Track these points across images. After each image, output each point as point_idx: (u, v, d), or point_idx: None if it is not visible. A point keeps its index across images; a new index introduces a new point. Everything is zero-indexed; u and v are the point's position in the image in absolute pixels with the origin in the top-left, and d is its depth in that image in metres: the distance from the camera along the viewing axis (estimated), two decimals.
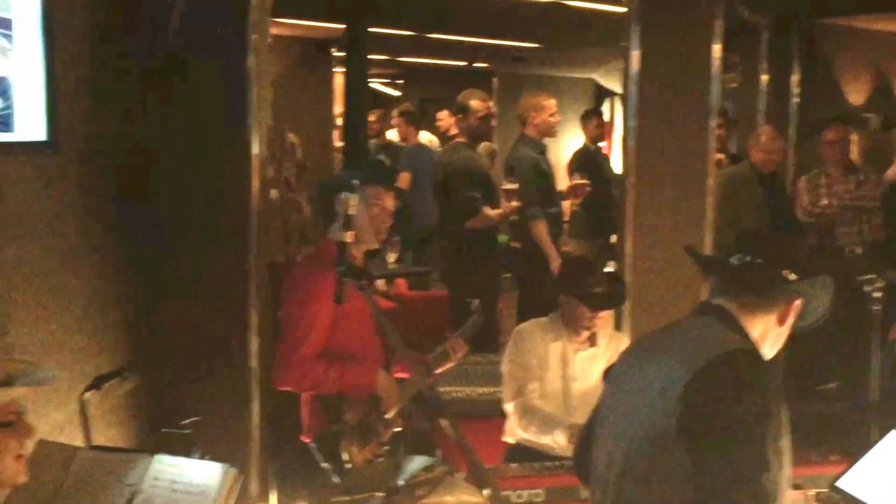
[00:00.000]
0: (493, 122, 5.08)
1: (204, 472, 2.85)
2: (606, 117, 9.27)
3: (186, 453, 3.02)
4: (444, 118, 8.80)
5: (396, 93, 9.15)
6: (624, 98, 4.19)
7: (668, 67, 4.02)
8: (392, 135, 7.98)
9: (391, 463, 2.47)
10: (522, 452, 3.67)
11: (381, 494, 2.32)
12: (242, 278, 3.94)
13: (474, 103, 4.94)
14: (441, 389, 4.19)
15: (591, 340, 3.69)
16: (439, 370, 3.51)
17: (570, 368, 3.67)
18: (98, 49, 3.44)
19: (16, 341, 3.08)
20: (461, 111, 4.98)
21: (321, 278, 3.14)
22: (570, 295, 3.61)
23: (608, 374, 2.41)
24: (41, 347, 3.22)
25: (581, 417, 3.67)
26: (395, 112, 8.00)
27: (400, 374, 3.47)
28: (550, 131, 5.32)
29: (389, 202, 3.29)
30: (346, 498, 2.34)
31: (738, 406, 1.92)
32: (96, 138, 3.45)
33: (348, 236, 2.86)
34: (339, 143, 7.13)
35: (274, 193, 4.20)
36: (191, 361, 3.87)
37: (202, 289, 3.91)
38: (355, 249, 3.24)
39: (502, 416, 3.91)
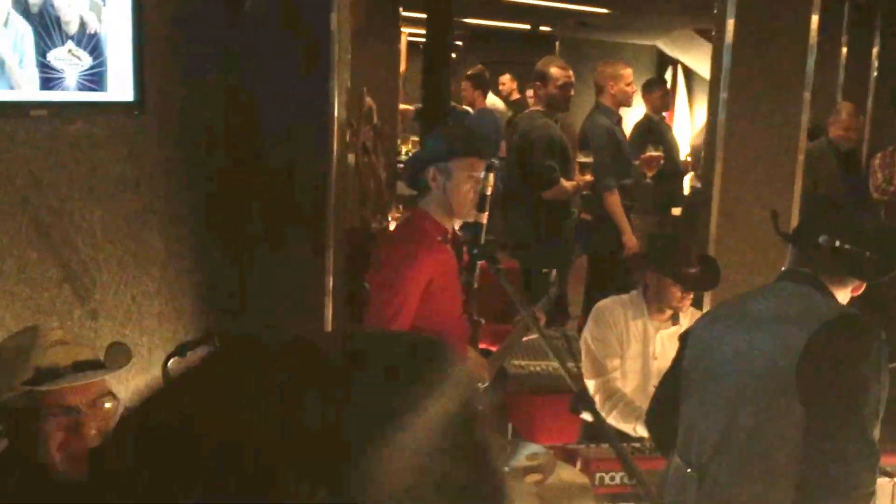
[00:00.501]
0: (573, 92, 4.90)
1: None
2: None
3: None
4: (507, 82, 8.65)
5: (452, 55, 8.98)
6: (714, 70, 4.03)
7: (763, 38, 3.86)
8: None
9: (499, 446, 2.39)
10: (601, 431, 3.59)
11: None
12: (320, 243, 3.91)
13: (554, 71, 4.78)
14: (514, 363, 4.11)
15: (674, 319, 3.60)
16: (524, 340, 3.50)
17: (651, 346, 3.58)
18: (183, 7, 3.37)
19: (99, 307, 3.06)
20: (540, 79, 4.83)
21: (415, 252, 3.03)
22: (662, 274, 3.52)
23: (686, 338, 2.50)
24: (124, 312, 3.19)
25: (642, 398, 3.61)
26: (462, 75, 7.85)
27: (484, 347, 3.44)
28: (627, 101, 5.17)
29: (482, 170, 3.06)
30: None
31: (860, 364, 2.05)
32: (179, 99, 3.39)
33: (483, 217, 2.90)
34: (403, 106, 7.02)
35: (351, 158, 4.11)
36: (266, 327, 3.84)
37: (280, 253, 3.87)
38: (449, 223, 3.13)
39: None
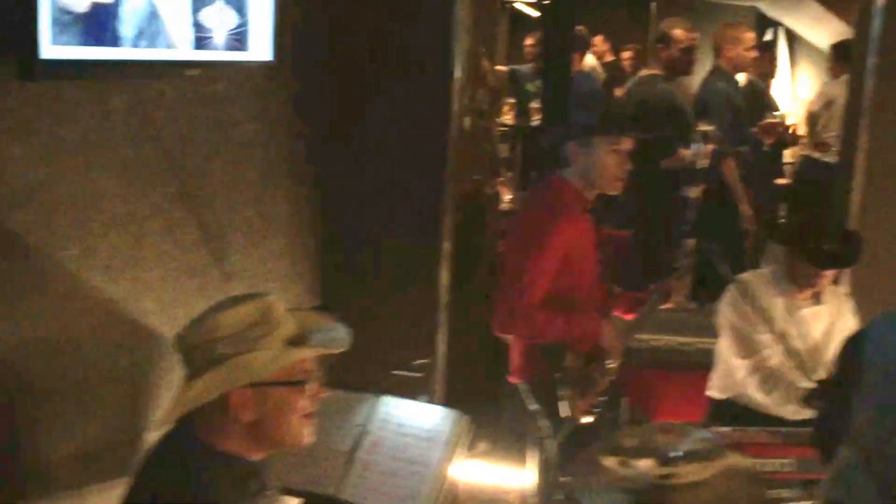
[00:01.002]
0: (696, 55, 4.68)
1: (433, 417, 2.74)
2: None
3: (412, 395, 2.92)
4: (599, 44, 8.39)
5: (536, 13, 8.68)
6: (860, 33, 3.80)
7: None
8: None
9: (666, 430, 2.27)
10: (734, 410, 3.46)
11: (651, 461, 2.15)
12: (437, 208, 3.81)
13: (678, 33, 4.57)
14: (638, 338, 3.98)
15: (816, 297, 3.44)
16: (657, 309, 3.35)
17: (793, 326, 3.42)
18: None
19: (233, 269, 3.00)
20: (662, 41, 4.63)
21: (556, 221, 3.00)
22: (797, 250, 3.36)
23: (855, 343, 2.31)
24: (252, 275, 3.13)
25: (799, 378, 3.46)
26: None
27: (617, 314, 3.35)
28: (745, 66, 4.95)
29: (627, 145, 3.04)
30: (615, 458, 2.17)
31: None
32: (312, 61, 3.30)
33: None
34: (498, 68, 6.82)
35: (467, 122, 3.99)
36: (380, 292, 3.76)
37: (396, 217, 3.79)
38: (590, 193, 3.09)
39: (702, 368, 3.71)
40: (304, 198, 3.50)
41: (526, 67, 7.21)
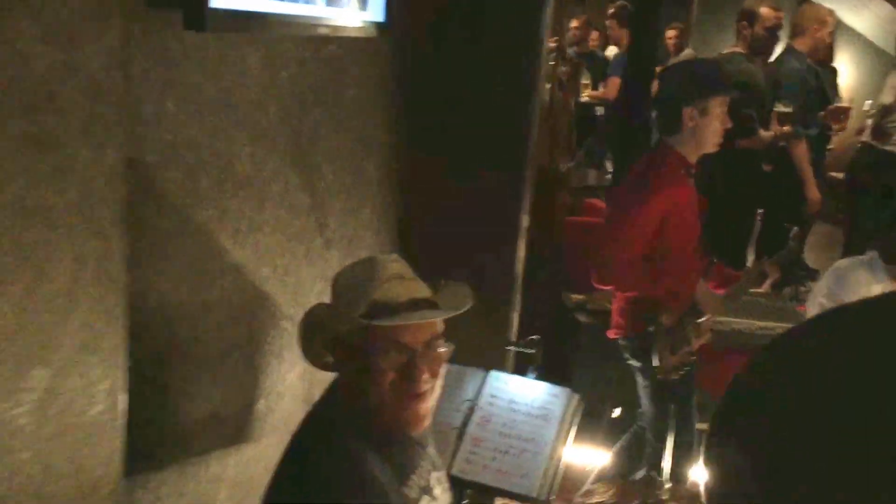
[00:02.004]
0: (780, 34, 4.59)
1: (544, 394, 2.69)
2: None
3: (521, 371, 2.87)
4: None
5: None
6: None
7: None
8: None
9: None
10: None
11: None
12: (518, 181, 3.75)
13: (765, 11, 4.48)
14: (717, 320, 3.93)
15: None
16: (751, 290, 3.51)
17: None
18: None
19: (332, 236, 2.93)
20: (747, 18, 4.53)
21: (658, 186, 3.14)
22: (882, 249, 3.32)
23: None
24: (347, 244, 3.07)
25: None
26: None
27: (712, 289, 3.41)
28: (822, 50, 4.86)
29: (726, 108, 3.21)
30: None
31: None
32: (420, 24, 3.22)
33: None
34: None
35: (546, 92, 3.91)
36: (461, 264, 3.71)
37: (474, 189, 3.72)
38: (693, 157, 3.23)
39: None
40: (394, 169, 3.43)
41: (573, 50, 7.11)
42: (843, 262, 3.47)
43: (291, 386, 2.68)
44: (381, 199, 3.37)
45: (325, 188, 2.79)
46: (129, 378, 1.81)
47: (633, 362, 3.34)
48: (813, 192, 4.80)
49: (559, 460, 2.56)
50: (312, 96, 2.62)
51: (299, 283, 2.67)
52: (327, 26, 2.32)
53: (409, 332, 1.74)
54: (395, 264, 1.80)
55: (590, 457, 3.55)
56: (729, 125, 3.18)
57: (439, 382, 1.81)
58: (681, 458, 3.30)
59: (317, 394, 1.92)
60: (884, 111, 5.78)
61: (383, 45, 3.03)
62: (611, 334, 3.43)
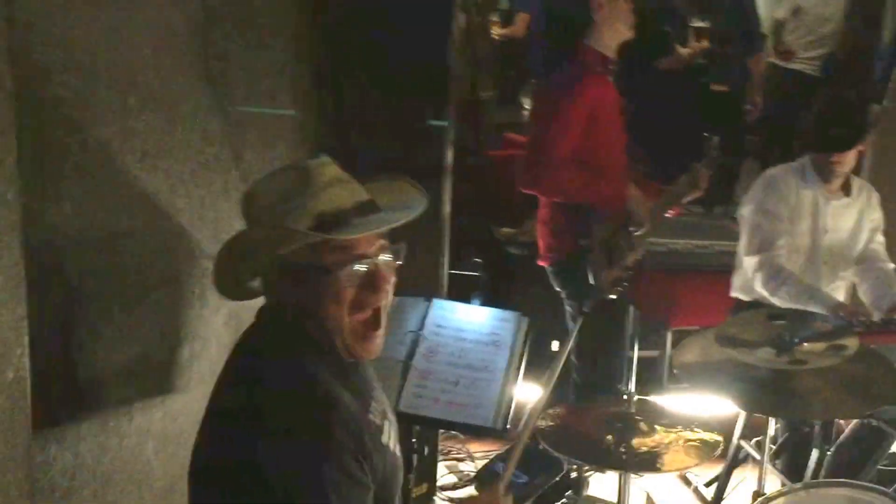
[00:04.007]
0: None
1: (492, 320, 2.53)
2: None
3: (465, 298, 2.70)
4: None
5: None
6: None
7: None
8: None
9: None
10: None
11: (770, 350, 1.98)
12: (439, 110, 3.57)
13: None
14: (653, 241, 3.84)
15: (845, 189, 3.33)
16: (687, 198, 3.32)
17: (822, 219, 3.31)
18: None
19: (249, 169, 2.68)
20: None
21: (576, 81, 3.13)
22: (802, 137, 3.26)
23: None
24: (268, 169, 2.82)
25: (830, 273, 3.36)
26: None
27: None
28: None
29: None
30: (736, 350, 1.99)
31: None
32: None
33: None
34: None
35: (461, 18, 3.71)
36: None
37: (400, 121, 3.54)
38: (611, 51, 3.22)
39: (721, 270, 3.59)
40: (306, 100, 3.19)
41: None
42: (772, 170, 3.39)
43: (216, 331, 2.44)
44: (298, 134, 3.13)
45: (237, 115, 2.54)
46: (32, 321, 1.56)
47: (564, 290, 3.25)
48: (758, 100, 4.68)
49: (513, 388, 2.41)
50: (221, 8, 2.36)
51: (218, 219, 2.42)
52: None
53: (364, 240, 1.54)
54: (330, 167, 1.57)
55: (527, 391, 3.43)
56: (632, 4, 3.18)
57: (391, 295, 1.61)
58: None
59: None
60: (778, 25, 5.74)
61: None
62: (542, 262, 3.32)
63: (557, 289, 3.27)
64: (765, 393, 1.90)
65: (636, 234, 3.15)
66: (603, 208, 3.08)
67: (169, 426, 2.19)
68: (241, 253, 1.55)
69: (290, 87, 2.98)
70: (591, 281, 3.03)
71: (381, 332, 1.59)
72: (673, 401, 3.71)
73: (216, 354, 2.43)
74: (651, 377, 3.95)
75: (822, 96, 3.60)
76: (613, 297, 3.02)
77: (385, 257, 1.57)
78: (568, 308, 3.29)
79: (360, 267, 1.53)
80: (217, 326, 2.44)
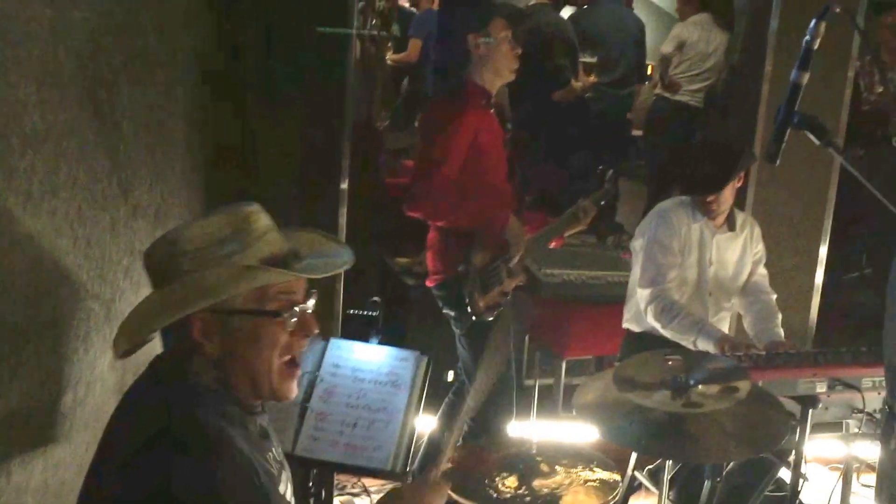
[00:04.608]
0: None
1: (391, 359, 2.51)
2: None
3: (364, 337, 2.66)
4: None
5: None
6: None
7: None
8: None
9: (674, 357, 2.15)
10: (653, 342, 3.42)
11: (666, 392, 2.02)
12: (334, 141, 3.54)
13: None
14: (545, 272, 3.89)
15: (730, 223, 3.45)
16: (568, 232, 3.44)
17: (708, 252, 3.42)
18: None
19: (138, 202, 2.59)
20: None
21: (460, 111, 3.17)
22: (674, 180, 3.37)
23: None
24: (155, 211, 2.74)
25: (715, 304, 3.47)
26: None
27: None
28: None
29: (514, 36, 3.24)
30: (634, 393, 2.02)
31: None
32: None
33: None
34: None
35: (358, 50, 3.70)
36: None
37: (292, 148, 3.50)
38: (491, 86, 3.27)
39: (614, 301, 3.66)
40: (204, 120, 3.12)
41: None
42: (664, 203, 3.48)
43: (101, 375, 2.34)
44: (191, 162, 3.05)
45: (127, 148, 2.45)
46: None
47: (448, 311, 3.31)
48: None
49: (413, 429, 2.39)
50: (109, 40, 2.27)
51: (105, 257, 2.33)
52: None
53: (297, 286, 1.58)
54: (262, 214, 1.58)
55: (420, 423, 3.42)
56: (519, 51, 3.22)
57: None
58: (501, 416, 3.26)
59: (131, 381, 1.63)
60: (665, 60, 5.97)
61: None
62: (428, 283, 3.37)
63: (445, 311, 3.33)
64: (660, 436, 1.93)
65: (511, 263, 3.22)
66: (483, 235, 3.15)
67: (50, 478, 2.08)
68: (180, 300, 1.49)
69: (181, 119, 2.89)
70: (467, 304, 3.13)
71: (299, 371, 1.63)
72: (567, 429, 3.77)
73: (101, 399, 2.33)
74: (546, 405, 3.99)
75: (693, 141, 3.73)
76: (489, 318, 3.17)
77: (311, 301, 1.60)
78: (455, 329, 3.34)
79: (292, 313, 1.55)
80: (102, 370, 2.34)
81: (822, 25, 1.69)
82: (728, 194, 3.38)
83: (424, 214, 3.23)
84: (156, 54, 2.62)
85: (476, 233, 3.17)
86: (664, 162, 5.16)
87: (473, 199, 3.17)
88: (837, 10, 1.67)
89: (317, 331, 1.62)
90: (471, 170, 3.16)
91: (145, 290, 1.60)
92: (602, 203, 3.45)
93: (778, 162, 1.84)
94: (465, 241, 3.18)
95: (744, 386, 1.99)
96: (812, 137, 1.67)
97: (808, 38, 1.72)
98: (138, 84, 2.51)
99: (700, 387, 1.98)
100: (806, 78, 1.72)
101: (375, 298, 2.65)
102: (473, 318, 3.18)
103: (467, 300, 3.15)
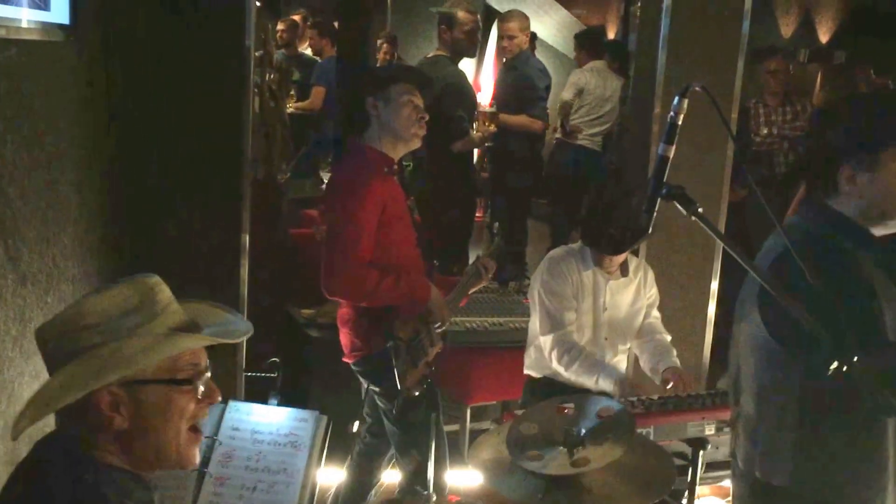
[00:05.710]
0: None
1: (290, 420, 2.51)
2: None
3: (262, 399, 2.65)
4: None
5: None
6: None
7: None
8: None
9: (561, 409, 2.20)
10: (552, 387, 3.50)
11: (560, 449, 2.06)
12: (235, 198, 3.53)
13: (462, 15, 4.54)
14: (452, 320, 3.93)
15: (623, 269, 3.56)
16: (474, 290, 3.38)
17: (602, 298, 3.52)
18: None
19: (28, 269, 2.55)
20: (447, 23, 4.57)
21: (366, 181, 2.99)
22: (583, 238, 3.46)
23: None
24: (47, 277, 2.69)
25: (611, 347, 3.56)
26: (303, 23, 7.36)
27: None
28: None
29: (419, 100, 3.08)
30: (526, 454, 2.06)
31: None
32: (112, 31, 2.89)
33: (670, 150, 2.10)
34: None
35: (256, 103, 3.71)
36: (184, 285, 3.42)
37: (194, 209, 3.47)
38: (393, 153, 3.11)
39: (515, 346, 3.73)
40: (95, 186, 3.08)
41: (281, 52, 6.92)
42: (555, 252, 3.57)
43: None
44: (85, 223, 3.00)
45: (13, 214, 2.41)
46: None
47: (374, 388, 3.16)
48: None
49: (315, 488, 2.39)
50: None
51: None
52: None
53: (202, 355, 1.60)
54: (164, 285, 1.60)
55: (327, 476, 3.40)
56: (425, 117, 3.06)
57: None
58: (438, 468, 3.22)
59: (23, 453, 1.60)
60: (567, 106, 6.17)
61: (72, 49, 2.68)
62: (347, 360, 3.21)
63: (370, 387, 3.20)
64: (556, 490, 1.98)
65: (438, 330, 3.14)
66: (405, 307, 3.03)
67: None
68: (95, 372, 1.46)
69: (73, 179, 2.86)
70: (398, 382, 2.98)
71: (202, 437, 1.64)
72: (472, 476, 3.80)
73: None
74: (451, 451, 4.01)
75: (599, 195, 3.82)
76: (416, 393, 3.06)
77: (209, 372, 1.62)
78: (381, 404, 3.21)
79: (198, 382, 1.57)
80: None
81: (685, 102, 1.78)
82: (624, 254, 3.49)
83: (347, 298, 3.08)
84: (43, 122, 2.59)
85: (397, 306, 3.04)
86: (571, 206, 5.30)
87: (393, 273, 3.01)
88: (697, 88, 1.76)
89: (220, 398, 1.63)
90: (384, 243, 3.01)
91: (36, 359, 1.59)
92: (498, 255, 3.47)
93: (650, 231, 1.92)
94: (384, 315, 3.03)
95: (629, 436, 2.06)
96: (680, 208, 1.75)
97: (672, 114, 1.80)
98: (25, 149, 2.48)
99: (588, 444, 2.04)
100: (672, 151, 1.80)
101: (275, 359, 2.64)
102: (403, 395, 3.02)
103: (398, 378, 2.97)
